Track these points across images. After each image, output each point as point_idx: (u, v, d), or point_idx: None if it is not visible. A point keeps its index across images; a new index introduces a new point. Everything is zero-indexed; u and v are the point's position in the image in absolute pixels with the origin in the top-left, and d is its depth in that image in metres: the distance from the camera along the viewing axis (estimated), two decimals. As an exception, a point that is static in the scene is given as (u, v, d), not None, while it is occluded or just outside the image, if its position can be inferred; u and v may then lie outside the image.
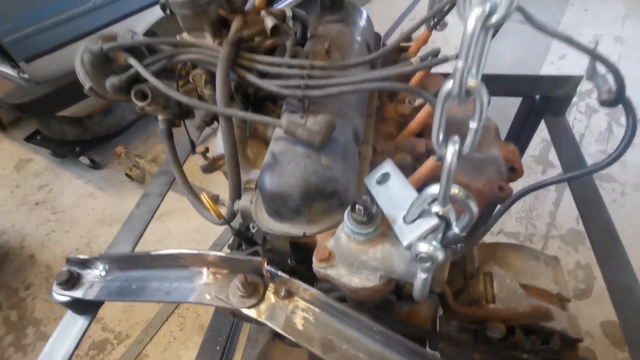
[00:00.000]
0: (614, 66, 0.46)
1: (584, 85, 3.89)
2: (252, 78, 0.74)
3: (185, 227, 2.84)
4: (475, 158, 0.86)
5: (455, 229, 0.50)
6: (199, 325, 2.37)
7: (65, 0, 2.50)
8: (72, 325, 0.91)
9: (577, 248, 2.57)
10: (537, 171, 3.17)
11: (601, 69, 0.49)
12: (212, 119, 0.90)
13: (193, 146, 1.01)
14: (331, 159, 0.69)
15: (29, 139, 3.41)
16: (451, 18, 0.90)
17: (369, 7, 5.38)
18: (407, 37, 0.84)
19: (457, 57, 0.35)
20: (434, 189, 0.48)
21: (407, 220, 0.54)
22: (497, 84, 1.30)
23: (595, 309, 2.32)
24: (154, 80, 0.75)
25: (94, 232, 2.94)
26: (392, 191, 0.60)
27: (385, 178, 0.63)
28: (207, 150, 0.93)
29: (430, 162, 0.74)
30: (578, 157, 1.16)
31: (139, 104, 0.84)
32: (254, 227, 0.90)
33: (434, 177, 0.83)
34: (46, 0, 2.45)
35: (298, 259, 0.86)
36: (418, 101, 0.96)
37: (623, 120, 3.40)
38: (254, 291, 0.71)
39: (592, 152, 3.22)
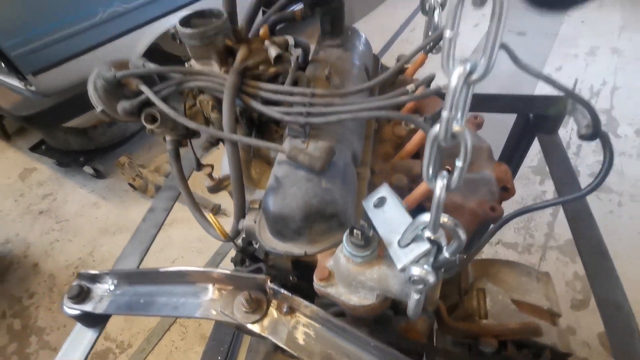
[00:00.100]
0: (590, 105, 0.51)
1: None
2: (256, 105, 0.78)
3: (187, 237, 2.88)
4: (469, 179, 0.91)
5: (446, 254, 0.54)
6: (200, 334, 2.39)
7: (72, 14, 2.57)
8: (82, 337, 0.94)
9: (575, 259, 2.60)
10: (536, 181, 3.21)
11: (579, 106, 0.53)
12: (217, 140, 0.95)
13: (198, 163, 1.05)
14: (331, 182, 0.73)
15: (34, 148, 3.46)
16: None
17: (370, 18, 5.47)
18: (404, 63, 0.89)
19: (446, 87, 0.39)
20: (426, 217, 0.52)
21: (402, 245, 0.58)
22: (493, 103, 1.34)
23: (592, 320, 2.34)
24: (164, 107, 0.79)
25: (97, 242, 2.97)
26: (388, 215, 0.64)
27: (381, 202, 0.67)
28: (212, 168, 0.98)
29: (424, 185, 0.78)
30: (569, 173, 1.20)
31: (149, 126, 0.89)
32: (256, 243, 0.94)
33: (428, 198, 0.88)
34: (54, 15, 2.51)
35: (299, 275, 0.90)
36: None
37: (620, 131, 3.47)
38: (258, 307, 0.75)
39: (589, 162, 3.26)
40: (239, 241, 1.03)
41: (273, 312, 0.75)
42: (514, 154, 1.51)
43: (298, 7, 0.98)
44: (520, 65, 0.54)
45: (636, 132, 3.46)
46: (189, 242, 2.86)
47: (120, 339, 2.41)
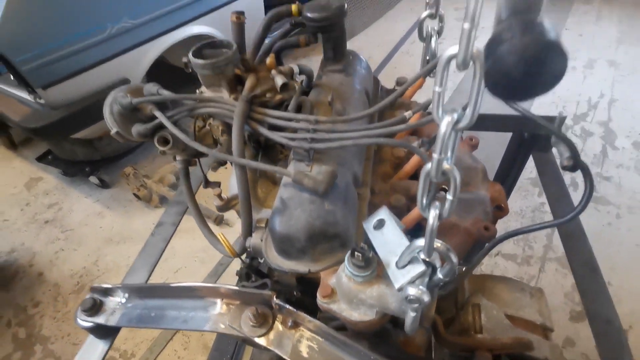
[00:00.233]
0: (569, 140, 0.56)
1: (579, 109, 4.02)
2: (263, 131, 0.83)
3: (191, 247, 2.92)
4: (464, 199, 0.95)
5: (440, 275, 0.59)
6: (202, 344, 2.42)
7: (81, 30, 2.65)
8: (94, 349, 0.98)
9: (574, 270, 2.62)
10: (534, 193, 3.25)
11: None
12: (225, 161, 1.00)
13: (206, 181, 1.11)
14: (333, 204, 0.78)
15: (41, 158, 3.52)
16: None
17: (371, 30, 5.56)
18: (403, 91, 0.94)
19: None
20: (421, 242, 0.57)
21: (399, 266, 0.62)
22: (489, 122, 1.40)
23: (591, 332, 2.36)
24: (176, 132, 0.85)
25: (101, 251, 3.01)
26: (387, 236, 0.69)
27: (380, 224, 0.71)
28: (220, 188, 1.03)
29: (421, 207, 0.82)
30: (562, 192, 1.25)
31: (161, 148, 0.94)
32: (261, 258, 0.99)
33: (424, 218, 0.92)
34: (63, 30, 2.59)
35: (303, 290, 0.94)
36: (413, 144, 1.06)
37: (617, 143, 3.52)
38: (264, 321, 0.79)
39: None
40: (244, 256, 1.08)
41: (278, 326, 0.79)
42: (510, 171, 1.56)
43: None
44: (508, 103, 0.59)
45: (634, 145, 3.51)
46: (192, 253, 2.90)
47: (123, 348, 2.44)
